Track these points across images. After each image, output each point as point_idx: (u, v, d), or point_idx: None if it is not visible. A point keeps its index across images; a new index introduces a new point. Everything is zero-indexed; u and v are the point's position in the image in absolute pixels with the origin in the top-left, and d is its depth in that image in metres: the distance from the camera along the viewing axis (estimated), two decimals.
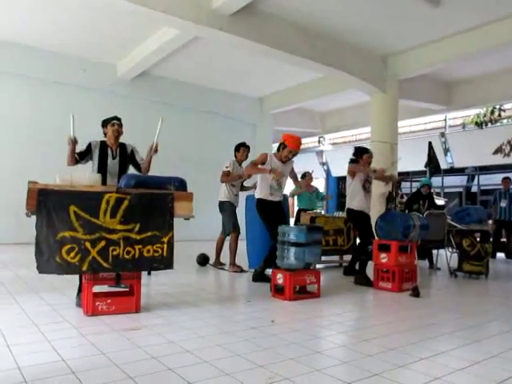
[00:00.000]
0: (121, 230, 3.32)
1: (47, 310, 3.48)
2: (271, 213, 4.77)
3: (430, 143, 8.92)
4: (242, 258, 6.12)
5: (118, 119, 4.20)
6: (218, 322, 3.27)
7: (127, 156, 4.17)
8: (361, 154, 5.31)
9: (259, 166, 4.80)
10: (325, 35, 8.47)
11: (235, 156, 6.26)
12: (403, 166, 10.78)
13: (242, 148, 6.26)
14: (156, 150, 4.14)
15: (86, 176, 3.41)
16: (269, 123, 13.89)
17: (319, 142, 17.39)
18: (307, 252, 4.03)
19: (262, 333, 2.94)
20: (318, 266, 4.96)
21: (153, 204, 3.46)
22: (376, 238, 5.05)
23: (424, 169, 9.02)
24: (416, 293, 4.34)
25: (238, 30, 7.45)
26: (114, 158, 4.11)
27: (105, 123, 4.23)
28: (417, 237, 4.89)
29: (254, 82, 11.95)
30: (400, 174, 10.24)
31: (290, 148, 4.73)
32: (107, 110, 10.41)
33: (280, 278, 4.07)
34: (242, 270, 5.86)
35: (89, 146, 4.13)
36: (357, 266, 5.33)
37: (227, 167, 6.07)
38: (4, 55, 9.18)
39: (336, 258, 6.84)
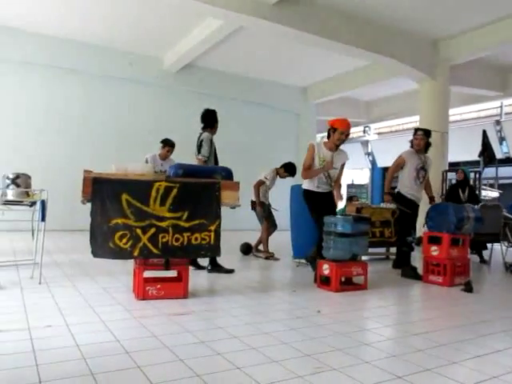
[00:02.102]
0: (170, 217, 3.40)
1: (101, 292, 3.64)
2: (318, 203, 4.64)
3: (484, 132, 8.51)
4: (285, 248, 6.14)
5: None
6: (263, 309, 3.30)
7: None
8: (413, 134, 5.16)
9: (314, 169, 4.53)
10: (372, 21, 8.23)
11: (278, 171, 6.38)
12: (454, 155, 10.35)
13: (288, 172, 6.37)
14: None
15: (139, 165, 3.52)
16: (312, 113, 13.74)
17: (364, 131, 17.01)
18: (354, 243, 3.97)
19: (308, 322, 2.94)
20: (363, 257, 4.87)
21: (200, 193, 3.52)
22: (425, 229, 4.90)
23: (477, 159, 8.63)
24: (469, 288, 4.18)
25: (283, 19, 7.38)
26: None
27: (214, 119, 5.02)
28: (470, 229, 4.69)
29: (297, 71, 11.83)
30: (451, 164, 9.83)
31: (340, 129, 4.45)
32: (153, 102, 10.84)
33: (326, 269, 4.04)
34: (273, 256, 6.01)
35: (211, 143, 4.87)
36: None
37: (266, 179, 6.24)
38: (59, 52, 9.61)
39: (382, 250, 6.70)
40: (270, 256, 6.09)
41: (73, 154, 9.60)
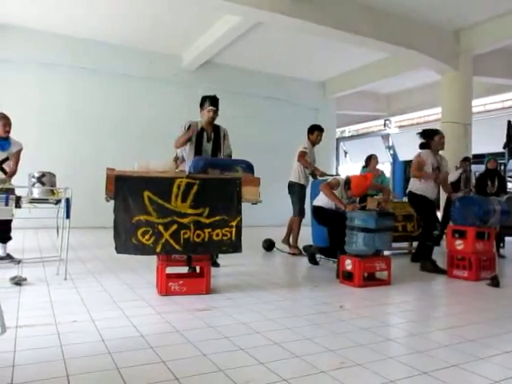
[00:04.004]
0: (191, 214, 3.42)
1: (124, 288, 3.69)
2: (329, 217, 4.69)
3: (509, 122, 8.28)
4: (305, 243, 6.09)
5: (215, 105, 4.48)
6: (285, 305, 3.29)
7: (220, 138, 4.54)
8: (431, 136, 5.03)
9: (335, 194, 4.57)
10: (391, 12, 8.05)
11: (308, 137, 6.20)
12: (478, 147, 10.10)
13: (316, 131, 6.18)
14: None
15: (161, 162, 3.54)
16: (332, 107, 13.61)
17: (385, 125, 16.74)
18: (377, 238, 3.92)
19: (331, 318, 2.92)
20: (385, 252, 4.82)
21: (221, 189, 3.52)
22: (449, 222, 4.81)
23: (502, 150, 8.40)
24: (495, 282, 4.07)
25: (301, 13, 7.31)
26: (208, 141, 4.42)
27: (202, 105, 4.53)
28: (496, 223, 4.58)
29: (316, 65, 11.72)
30: (474, 156, 9.59)
31: (352, 193, 4.56)
32: (173, 99, 10.90)
33: (349, 264, 4.00)
34: (301, 253, 5.89)
35: (189, 128, 4.46)
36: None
37: (305, 148, 6.05)
38: (80, 52, 9.75)
39: (405, 244, 6.60)
40: (297, 253, 5.95)
41: (94, 153, 9.75)
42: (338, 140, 17.36)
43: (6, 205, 3.72)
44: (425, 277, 4.61)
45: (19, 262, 4.56)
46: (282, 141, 12.31)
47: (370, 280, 4.07)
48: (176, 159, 4.83)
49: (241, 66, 11.54)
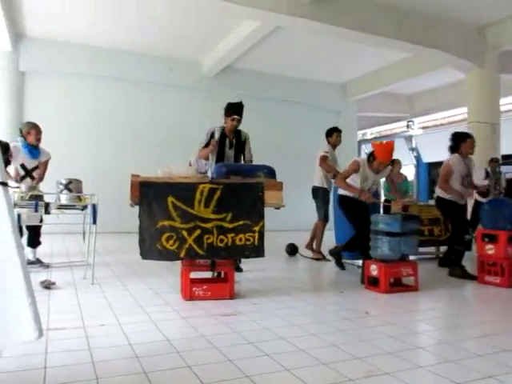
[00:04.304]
0: (214, 219, 3.44)
1: (149, 293, 3.73)
2: (353, 209, 4.62)
3: None
4: (328, 247, 6.04)
5: (239, 113, 4.59)
6: (310, 311, 3.27)
7: (241, 143, 4.67)
8: (462, 139, 4.88)
9: (351, 184, 4.50)
10: (411, 11, 7.91)
11: (328, 141, 6.14)
12: (507, 148, 9.83)
13: (335, 133, 6.13)
14: None
15: (183, 168, 3.58)
16: (353, 110, 13.48)
17: (408, 126, 16.48)
18: (403, 243, 3.84)
19: (357, 324, 2.88)
20: (411, 257, 4.72)
21: (244, 194, 3.53)
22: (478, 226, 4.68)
23: None
24: None
25: (320, 16, 7.28)
26: (230, 148, 4.57)
27: (227, 113, 4.62)
28: None
29: (336, 68, 11.65)
30: (504, 157, 9.34)
31: (378, 161, 4.43)
32: (193, 105, 11.00)
33: (374, 270, 3.93)
34: (324, 258, 5.83)
35: (212, 135, 4.60)
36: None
37: (326, 152, 6.00)
38: (104, 61, 9.97)
39: (432, 249, 6.45)
40: (320, 258, 5.88)
41: (118, 159, 9.91)
42: (360, 142, 17.19)
43: (36, 211, 3.81)
44: (454, 283, 4.49)
45: (48, 266, 4.67)
46: (304, 144, 12.26)
47: (397, 286, 3.99)
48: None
49: (261, 71, 11.56)
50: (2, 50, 8.87)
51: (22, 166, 4.64)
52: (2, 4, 6.93)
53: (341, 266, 5.12)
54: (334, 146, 6.14)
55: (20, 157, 4.65)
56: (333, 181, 6.11)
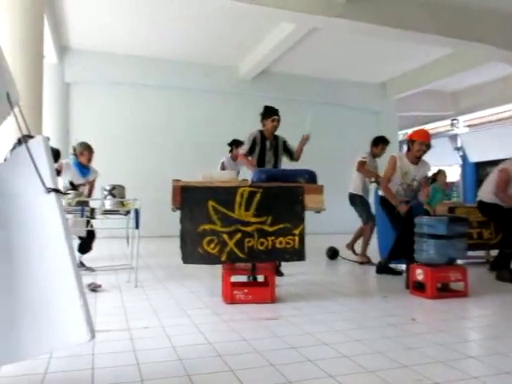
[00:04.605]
0: (254, 222, 3.43)
1: (190, 296, 3.78)
2: (394, 211, 4.50)
3: None
4: (370, 251, 5.91)
5: (278, 114, 4.75)
6: (353, 316, 3.19)
7: (279, 146, 4.78)
8: None
9: (391, 192, 4.47)
10: (452, 4, 7.58)
11: (371, 150, 6.04)
12: None
13: (381, 144, 5.99)
14: (307, 139, 4.92)
15: (224, 172, 3.61)
16: (393, 109, 13.15)
17: (452, 124, 15.90)
18: (450, 246, 3.69)
19: (403, 331, 2.78)
20: (459, 261, 4.52)
21: (284, 197, 3.51)
22: None
23: None
24: None
25: (357, 15, 7.15)
26: (270, 150, 4.66)
27: (265, 115, 4.74)
28: None
29: (375, 67, 11.41)
30: None
31: (419, 140, 4.33)
32: (231, 110, 11.10)
33: (420, 274, 3.78)
34: (369, 262, 5.68)
35: (254, 140, 4.67)
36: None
37: (364, 158, 5.90)
38: (144, 70, 10.26)
39: (482, 253, 6.14)
40: (365, 262, 5.72)
41: (158, 164, 10.12)
42: (401, 143, 16.76)
43: (82, 216, 3.95)
44: (506, 288, 4.25)
45: (93, 270, 4.82)
46: (343, 146, 12.09)
47: (444, 291, 3.82)
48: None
49: (297, 73, 11.50)
50: (49, 62, 9.29)
51: (71, 183, 4.82)
52: (48, 19, 7.25)
53: (395, 273, 4.84)
54: (375, 156, 6.01)
55: (70, 173, 4.86)
56: (371, 185, 5.97)
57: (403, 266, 4.63)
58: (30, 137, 1.29)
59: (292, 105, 11.30)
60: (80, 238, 4.81)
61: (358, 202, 5.92)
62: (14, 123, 1.28)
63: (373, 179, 5.83)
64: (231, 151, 6.21)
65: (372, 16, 7.24)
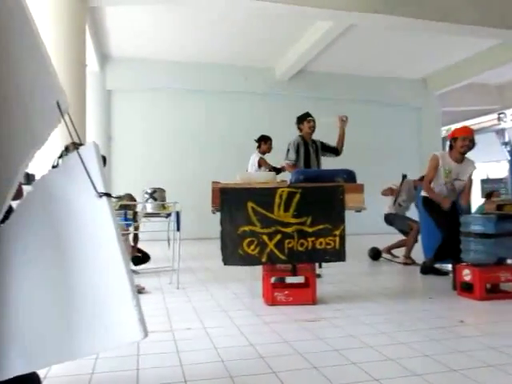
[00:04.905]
0: (294, 223, 3.41)
1: (232, 297, 3.80)
2: (438, 211, 4.34)
3: None
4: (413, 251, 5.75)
5: (311, 115, 4.82)
6: (398, 318, 3.09)
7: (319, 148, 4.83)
8: None
9: (434, 193, 4.34)
10: None
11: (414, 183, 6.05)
12: None
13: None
14: (346, 120, 5.02)
15: (262, 173, 3.61)
16: (435, 105, 12.72)
17: (499, 119, 15.20)
18: (499, 245, 3.52)
19: (451, 333, 2.68)
20: (509, 261, 4.30)
21: (323, 197, 3.46)
22: None
23: None
24: None
25: (395, 9, 6.98)
26: (313, 153, 4.70)
27: (301, 120, 4.82)
28: None
29: (415, 62, 11.08)
30: None
31: (462, 135, 4.19)
32: (268, 111, 11.11)
33: (467, 275, 3.63)
34: (413, 263, 5.53)
35: (298, 147, 4.72)
36: None
37: (395, 185, 6.06)
38: (182, 75, 10.45)
39: None
40: (409, 263, 5.58)
41: (198, 167, 10.29)
42: (444, 140, 16.19)
43: (125, 219, 4.07)
44: None
45: (137, 272, 4.94)
46: (384, 144, 11.85)
47: (494, 292, 3.65)
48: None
49: (335, 72, 11.36)
50: (91, 71, 9.63)
51: None
52: (90, 29, 7.54)
53: (441, 273, 4.71)
54: (415, 187, 5.98)
55: None
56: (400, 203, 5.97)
57: (449, 266, 4.47)
58: (79, 144, 1.34)
59: (329, 104, 11.19)
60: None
61: (391, 219, 6.00)
62: (60, 131, 1.33)
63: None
64: (259, 147, 6.20)
65: (412, 10, 7.04)
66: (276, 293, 3.45)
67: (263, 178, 3.61)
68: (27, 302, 1.28)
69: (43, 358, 1.28)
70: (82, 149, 1.30)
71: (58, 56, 5.42)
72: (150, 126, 10.46)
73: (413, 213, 6.19)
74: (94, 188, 1.27)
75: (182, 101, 10.69)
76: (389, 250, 6.10)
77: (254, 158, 6.13)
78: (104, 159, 4.41)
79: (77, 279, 1.27)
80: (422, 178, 5.88)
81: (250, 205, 3.39)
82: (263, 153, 6.08)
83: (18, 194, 1.35)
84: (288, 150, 4.78)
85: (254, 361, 2.25)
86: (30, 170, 1.64)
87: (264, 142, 6.11)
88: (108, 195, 1.30)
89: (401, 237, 6.03)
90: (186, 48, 9.68)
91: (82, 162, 1.27)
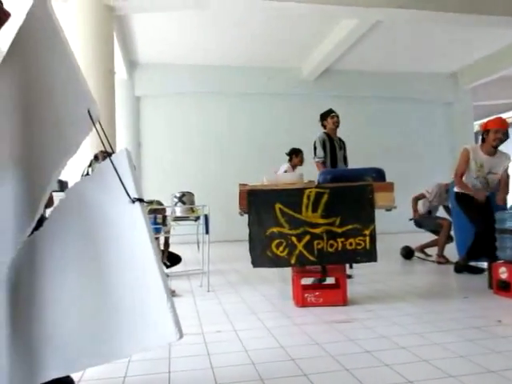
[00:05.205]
0: (323, 223, 3.38)
1: (261, 299, 3.80)
2: (471, 206, 4.21)
3: None
4: (447, 249, 5.60)
5: (335, 111, 4.76)
6: (432, 318, 3.02)
7: (344, 145, 4.76)
8: None
9: (467, 186, 4.24)
10: None
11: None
12: None
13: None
14: None
15: (288, 175, 3.61)
16: (467, 99, 12.34)
17: None
18: None
19: (488, 333, 2.59)
20: None
21: (352, 196, 3.42)
22: None
23: None
24: None
25: (421, 3, 6.84)
26: (340, 149, 4.64)
27: (324, 116, 4.77)
28: None
29: (443, 56, 10.80)
30: None
31: (494, 128, 4.08)
32: (294, 112, 11.07)
33: (504, 273, 3.51)
34: (447, 262, 5.39)
35: (324, 143, 4.66)
36: None
37: (428, 192, 5.90)
38: (206, 78, 10.56)
39: None
40: (443, 262, 5.44)
41: (225, 169, 10.35)
42: (477, 134, 15.71)
43: (155, 223, 4.14)
44: None
45: (167, 275, 5.02)
46: (414, 141, 11.63)
47: None
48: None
49: (362, 69, 11.21)
50: (120, 78, 9.84)
51: None
52: (118, 37, 7.73)
53: (476, 271, 4.58)
54: (447, 190, 5.79)
55: None
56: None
57: (484, 264, 4.34)
58: (108, 153, 1.37)
59: (359, 102, 11.09)
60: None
61: (420, 222, 5.92)
62: (90, 139, 1.37)
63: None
64: (290, 160, 6.17)
65: (436, 3, 6.89)
66: (306, 294, 3.43)
67: (290, 179, 3.60)
68: (64, 307, 1.32)
69: (79, 362, 1.33)
70: (114, 156, 1.34)
71: (87, 64, 5.61)
72: (175, 130, 10.62)
73: (440, 212, 6.08)
74: (127, 194, 1.31)
75: (205, 104, 10.81)
76: (422, 248, 5.98)
77: (283, 168, 6.12)
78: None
79: (114, 283, 1.31)
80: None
81: (277, 206, 3.39)
82: (294, 166, 6.06)
83: (49, 202, 1.40)
84: (315, 147, 4.73)
85: (285, 363, 2.24)
86: (62, 178, 1.70)
87: (295, 155, 6.10)
88: (141, 200, 1.33)
89: (432, 236, 5.91)
90: (209, 51, 9.78)
91: (115, 168, 1.31)
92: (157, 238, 5.04)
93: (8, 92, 1.21)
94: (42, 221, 1.33)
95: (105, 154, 1.40)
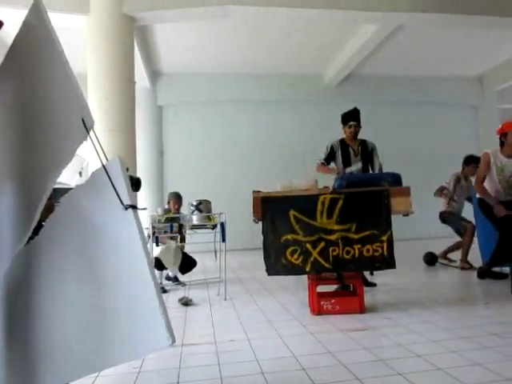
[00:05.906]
0: (338, 230, 3.33)
1: (278, 307, 3.76)
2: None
3: None
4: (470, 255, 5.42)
5: (356, 119, 4.51)
6: (450, 325, 2.92)
7: (368, 153, 4.51)
8: None
9: (488, 192, 4.17)
10: None
11: (463, 168, 5.74)
12: None
13: (472, 163, 5.58)
14: None
15: (302, 181, 3.58)
16: (493, 102, 11.97)
17: None
18: None
19: (508, 340, 2.49)
20: None
21: (368, 202, 3.37)
22: None
23: None
24: None
25: (443, 7, 6.73)
26: (356, 155, 4.42)
27: (342, 122, 4.63)
28: None
29: (468, 60, 10.55)
30: None
31: (511, 130, 4.05)
32: (316, 118, 11.01)
33: None
34: (471, 267, 5.23)
35: (331, 149, 4.52)
36: None
37: (447, 183, 5.76)
38: (229, 86, 10.62)
39: None
40: (467, 268, 5.28)
41: (244, 177, 10.20)
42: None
43: (171, 232, 4.18)
44: None
45: (184, 284, 5.04)
46: (440, 146, 11.37)
47: None
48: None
49: (385, 74, 11.07)
50: (143, 87, 9.97)
51: None
52: (141, 47, 7.89)
53: (499, 276, 4.45)
54: (465, 176, 5.69)
55: None
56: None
57: (508, 270, 4.18)
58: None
59: (380, 107, 10.95)
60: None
61: (446, 218, 5.73)
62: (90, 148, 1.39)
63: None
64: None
65: (460, 6, 6.78)
66: (322, 302, 3.38)
67: (304, 186, 3.57)
68: (59, 316, 1.34)
69: (73, 371, 1.34)
70: (107, 164, 1.36)
71: (109, 75, 5.75)
72: (197, 139, 10.69)
73: (468, 212, 5.88)
74: (120, 200, 1.32)
75: (226, 112, 10.86)
76: (445, 254, 5.84)
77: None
78: (138, 183, 4.55)
79: (107, 290, 1.32)
80: (463, 163, 5.74)
81: (291, 213, 3.37)
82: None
83: (51, 210, 1.43)
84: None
85: (295, 373, 2.20)
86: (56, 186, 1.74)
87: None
88: (134, 207, 1.35)
89: (455, 240, 5.74)
90: (230, 59, 9.83)
91: (109, 176, 1.33)
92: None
93: (3, 102, 1.25)
94: (37, 229, 1.35)
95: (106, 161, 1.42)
